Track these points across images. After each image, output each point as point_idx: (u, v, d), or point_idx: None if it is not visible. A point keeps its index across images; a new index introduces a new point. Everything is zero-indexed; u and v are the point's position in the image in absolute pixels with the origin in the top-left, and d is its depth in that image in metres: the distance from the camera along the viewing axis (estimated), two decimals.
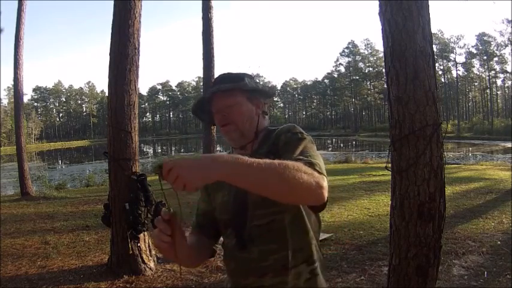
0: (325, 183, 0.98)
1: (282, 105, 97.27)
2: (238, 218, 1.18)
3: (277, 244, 1.13)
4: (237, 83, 1.21)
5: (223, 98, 1.21)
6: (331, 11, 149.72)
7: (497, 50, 53.49)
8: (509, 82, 58.35)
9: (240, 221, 1.17)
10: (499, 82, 60.82)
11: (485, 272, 3.54)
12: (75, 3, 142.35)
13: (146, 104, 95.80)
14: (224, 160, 0.89)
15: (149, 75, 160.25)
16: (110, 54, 4.07)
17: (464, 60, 58.38)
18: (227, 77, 1.25)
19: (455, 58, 58.27)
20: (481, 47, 55.14)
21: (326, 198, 0.99)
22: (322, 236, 4.76)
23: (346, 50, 76.20)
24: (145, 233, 4.03)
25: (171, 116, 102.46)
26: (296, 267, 1.14)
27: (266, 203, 1.13)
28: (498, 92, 62.74)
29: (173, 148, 50.30)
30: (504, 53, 52.47)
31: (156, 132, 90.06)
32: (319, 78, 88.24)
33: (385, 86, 2.57)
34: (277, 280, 1.13)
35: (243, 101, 1.22)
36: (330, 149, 36.20)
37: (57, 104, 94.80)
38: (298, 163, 0.96)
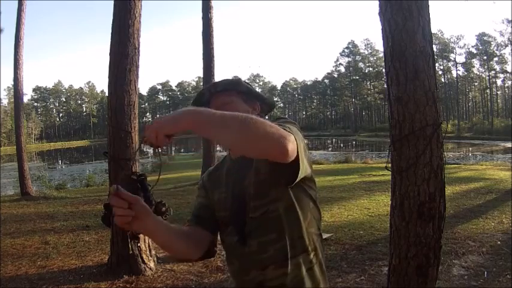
0: (290, 137, 0.95)
1: (282, 105, 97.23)
2: (238, 214, 1.19)
3: (276, 233, 1.14)
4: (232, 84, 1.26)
5: (220, 97, 1.24)
6: (331, 11, 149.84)
7: (497, 50, 53.53)
8: (509, 82, 58.48)
9: (240, 217, 1.18)
10: (499, 82, 60.92)
11: (485, 272, 3.54)
12: (75, 3, 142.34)
13: (146, 104, 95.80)
14: (191, 110, 0.94)
15: (149, 75, 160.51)
16: (110, 54, 4.07)
17: (464, 60, 58.44)
18: (223, 80, 1.28)
19: (455, 58, 58.34)
20: (481, 47, 55.16)
21: (290, 150, 0.95)
22: (322, 236, 4.75)
23: (346, 50, 76.25)
24: None
25: None
26: (295, 257, 1.14)
27: (259, 194, 1.15)
28: (498, 92, 62.73)
29: (173, 148, 50.27)
30: (504, 53, 52.54)
31: None
32: (319, 78, 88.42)
33: (385, 86, 2.57)
34: (280, 272, 1.13)
35: (238, 101, 1.25)
36: (330, 149, 36.19)
37: (57, 104, 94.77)
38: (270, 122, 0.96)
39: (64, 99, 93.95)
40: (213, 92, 1.25)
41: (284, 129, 0.98)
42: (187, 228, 1.25)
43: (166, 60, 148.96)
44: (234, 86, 1.25)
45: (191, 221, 1.29)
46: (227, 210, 1.23)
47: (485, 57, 55.33)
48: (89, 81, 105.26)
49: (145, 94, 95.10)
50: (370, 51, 73.46)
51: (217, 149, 11.69)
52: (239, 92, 1.26)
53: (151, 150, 1.00)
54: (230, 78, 1.31)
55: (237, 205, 1.20)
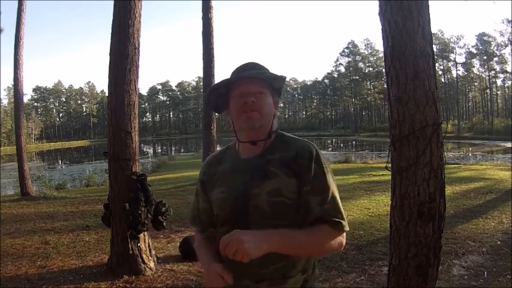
0: (344, 239, 1.19)
1: (282, 105, 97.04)
2: (240, 220, 1.17)
3: (280, 254, 1.13)
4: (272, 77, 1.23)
5: (256, 83, 1.20)
6: (331, 11, 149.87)
7: (497, 50, 53.46)
8: (509, 82, 58.42)
9: (240, 223, 1.15)
10: (499, 82, 60.89)
11: (485, 272, 3.54)
12: (75, 3, 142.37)
13: (146, 104, 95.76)
14: (274, 239, 1.08)
15: (149, 75, 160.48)
16: (110, 54, 4.07)
17: (464, 60, 58.38)
18: (260, 67, 1.25)
19: (455, 58, 58.26)
20: (481, 47, 55.10)
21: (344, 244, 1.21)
22: None
23: (346, 50, 76.17)
24: (145, 233, 4.03)
25: (171, 116, 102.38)
26: (294, 277, 1.18)
27: (277, 215, 1.15)
28: (498, 92, 62.73)
29: (173, 148, 50.26)
30: (504, 53, 52.48)
31: (156, 132, 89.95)
32: (319, 78, 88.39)
33: (385, 86, 2.57)
34: None
35: (269, 95, 1.23)
36: (330, 149, 36.18)
37: (57, 104, 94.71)
38: (330, 234, 1.15)
39: (64, 99, 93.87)
40: (250, 76, 1.20)
41: (342, 227, 1.16)
42: (207, 240, 1.30)
43: (166, 60, 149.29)
44: (273, 80, 1.23)
45: (205, 228, 1.32)
46: (225, 210, 1.21)
47: (485, 57, 55.26)
48: (89, 81, 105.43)
49: (145, 94, 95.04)
50: (370, 51, 73.38)
51: (218, 149, 11.68)
52: (272, 87, 1.24)
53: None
54: (263, 66, 1.27)
55: (239, 211, 1.17)
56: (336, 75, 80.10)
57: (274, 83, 1.24)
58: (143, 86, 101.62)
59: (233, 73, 1.25)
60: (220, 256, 1.16)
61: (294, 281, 1.17)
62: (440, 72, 55.48)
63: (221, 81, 1.23)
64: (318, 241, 1.14)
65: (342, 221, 1.15)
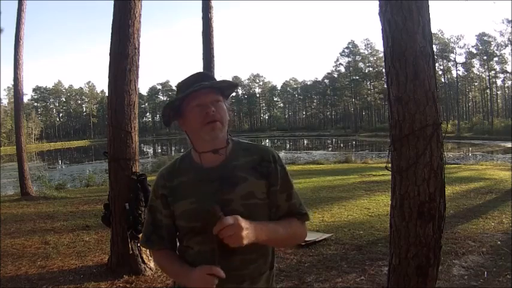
0: (306, 229, 1.35)
1: (282, 105, 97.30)
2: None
3: (257, 253, 1.22)
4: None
5: (212, 93, 1.24)
6: (331, 11, 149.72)
7: (497, 50, 53.50)
8: (509, 82, 58.45)
9: None
10: (499, 82, 60.94)
11: (485, 272, 3.54)
12: (75, 3, 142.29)
13: (146, 104, 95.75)
14: (263, 231, 1.16)
15: (149, 75, 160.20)
16: (109, 54, 4.07)
17: (464, 60, 58.41)
18: (211, 77, 1.29)
19: (455, 58, 58.28)
20: (481, 47, 55.13)
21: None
22: (322, 236, 4.75)
23: (346, 50, 76.18)
24: None
25: None
26: (266, 272, 1.25)
27: (251, 217, 1.17)
28: (498, 92, 62.78)
29: (173, 148, 50.26)
30: (504, 53, 52.53)
31: (156, 132, 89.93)
32: (319, 78, 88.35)
33: (385, 86, 2.56)
34: (253, 287, 1.22)
35: (223, 102, 1.27)
36: (330, 149, 36.15)
37: (57, 104, 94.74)
38: (299, 227, 1.30)
39: (64, 99, 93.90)
40: (207, 85, 1.22)
41: (306, 217, 1.31)
42: (175, 255, 1.30)
43: (166, 60, 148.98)
44: (226, 88, 1.29)
45: (162, 244, 1.30)
46: (199, 221, 1.19)
47: (485, 57, 55.28)
48: (89, 81, 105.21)
49: (145, 94, 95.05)
50: (370, 51, 73.37)
51: None
52: (224, 94, 1.29)
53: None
54: (214, 76, 1.31)
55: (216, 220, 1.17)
56: (336, 75, 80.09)
57: (226, 91, 1.29)
58: (143, 86, 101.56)
59: (184, 85, 1.25)
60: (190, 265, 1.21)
61: (266, 277, 1.26)
62: (440, 72, 55.48)
63: (180, 96, 1.23)
64: (292, 233, 1.26)
65: (307, 212, 1.32)
